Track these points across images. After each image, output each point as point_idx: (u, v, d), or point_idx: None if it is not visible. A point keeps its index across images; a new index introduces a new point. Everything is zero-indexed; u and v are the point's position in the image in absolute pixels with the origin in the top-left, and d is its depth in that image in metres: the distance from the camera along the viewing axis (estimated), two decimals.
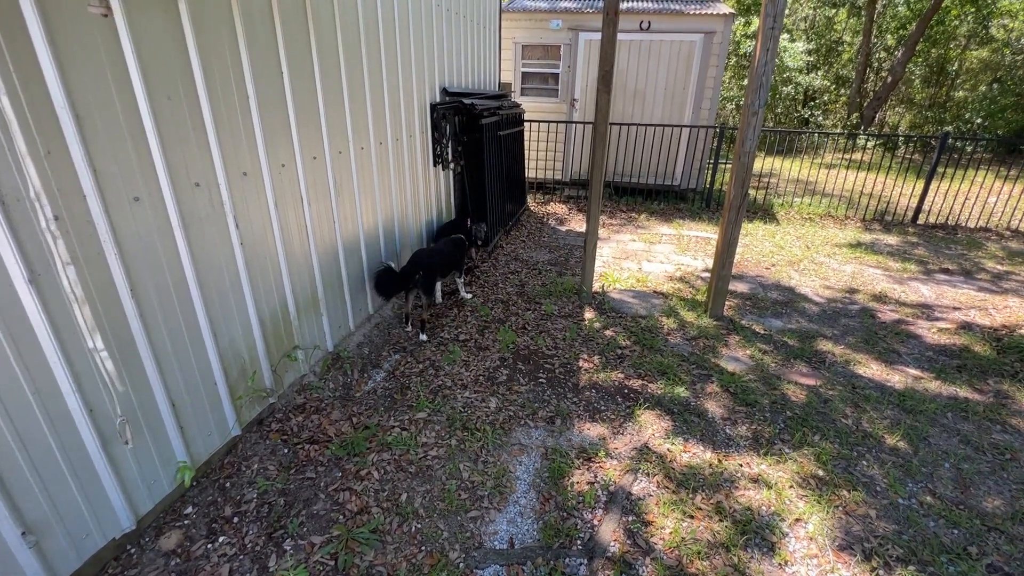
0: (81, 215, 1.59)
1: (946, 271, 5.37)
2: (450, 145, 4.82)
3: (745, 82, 17.96)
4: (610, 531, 2.06)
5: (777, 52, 3.21)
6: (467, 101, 4.73)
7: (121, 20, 1.66)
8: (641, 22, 7.43)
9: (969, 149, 12.87)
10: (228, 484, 2.20)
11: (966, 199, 7.66)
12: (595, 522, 2.11)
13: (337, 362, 3.09)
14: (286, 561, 1.86)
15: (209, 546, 1.92)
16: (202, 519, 2.03)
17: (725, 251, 3.77)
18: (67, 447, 1.62)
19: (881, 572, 1.91)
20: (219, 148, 2.11)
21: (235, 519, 2.04)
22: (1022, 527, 2.14)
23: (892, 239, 6.52)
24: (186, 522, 2.01)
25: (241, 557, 1.88)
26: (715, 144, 7.58)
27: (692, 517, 2.13)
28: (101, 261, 1.67)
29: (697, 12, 7.35)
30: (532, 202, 7.85)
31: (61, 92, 1.49)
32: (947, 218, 7.24)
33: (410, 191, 4.15)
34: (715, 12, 7.27)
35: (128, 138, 1.72)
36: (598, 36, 7.64)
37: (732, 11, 7.36)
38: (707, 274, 5.00)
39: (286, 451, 2.41)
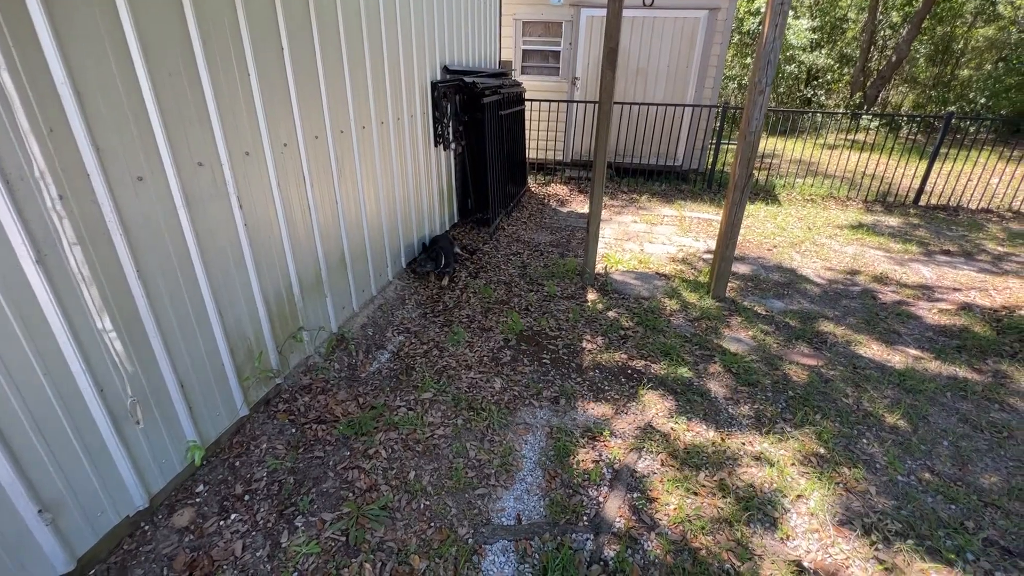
0: (86, 194, 1.57)
1: (947, 252, 5.38)
2: (451, 125, 4.76)
3: (748, 60, 17.71)
4: (615, 507, 2.10)
5: (784, 27, 3.15)
6: (468, 79, 4.65)
7: None
8: None
9: (972, 130, 12.77)
10: (238, 463, 2.22)
11: (968, 180, 7.62)
12: (600, 499, 2.15)
13: (342, 343, 3.10)
14: (298, 537, 1.89)
15: (221, 523, 1.95)
16: (213, 497, 2.06)
17: (729, 232, 3.76)
18: (80, 427, 1.63)
19: (880, 546, 1.96)
20: (221, 127, 2.08)
21: (246, 497, 2.07)
22: (1018, 502, 2.19)
23: (894, 220, 6.51)
24: (198, 500, 2.04)
25: (253, 533, 1.91)
26: (718, 124, 7.50)
27: (696, 494, 2.17)
28: (107, 241, 1.65)
29: None
30: (533, 183, 7.79)
31: (61, 67, 1.46)
32: (949, 199, 7.22)
33: (411, 172, 4.11)
34: None
35: (130, 116, 1.69)
36: (600, 12, 7.50)
37: None
38: (709, 255, 5.00)
39: (294, 431, 2.43)
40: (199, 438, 2.13)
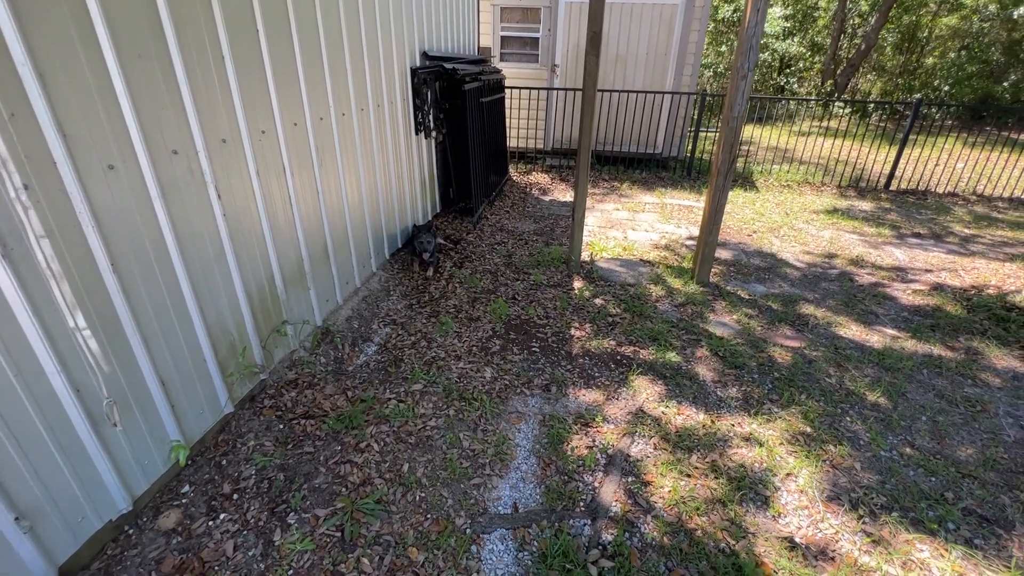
0: (54, 184, 1.48)
1: (917, 235, 5.55)
2: (431, 112, 4.66)
3: (723, 48, 17.86)
4: (611, 492, 2.11)
5: (766, 12, 3.17)
6: (448, 65, 4.56)
7: None
8: None
9: (937, 116, 13.17)
10: (224, 462, 2.16)
11: (936, 166, 7.87)
12: (596, 484, 2.16)
13: (327, 336, 3.03)
14: (292, 534, 1.85)
15: (210, 523, 1.89)
16: (200, 497, 1.99)
17: (712, 218, 3.79)
18: (55, 429, 1.55)
19: (867, 520, 2.02)
20: (196, 113, 1.98)
21: (235, 496, 2.01)
22: (992, 473, 2.28)
23: (866, 205, 6.68)
24: (184, 501, 1.97)
25: (245, 533, 1.86)
26: (696, 112, 7.55)
27: (689, 476, 2.20)
28: (77, 233, 1.56)
29: None
30: (514, 172, 7.73)
31: (20, 46, 1.36)
32: (918, 184, 7.44)
33: (393, 161, 4.02)
34: None
35: (98, 100, 1.59)
36: None
37: None
38: (691, 242, 5.05)
39: (281, 427, 2.37)
40: (183, 437, 2.05)
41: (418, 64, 4.43)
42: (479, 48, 6.76)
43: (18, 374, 1.44)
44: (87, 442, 1.66)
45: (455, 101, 4.81)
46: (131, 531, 1.83)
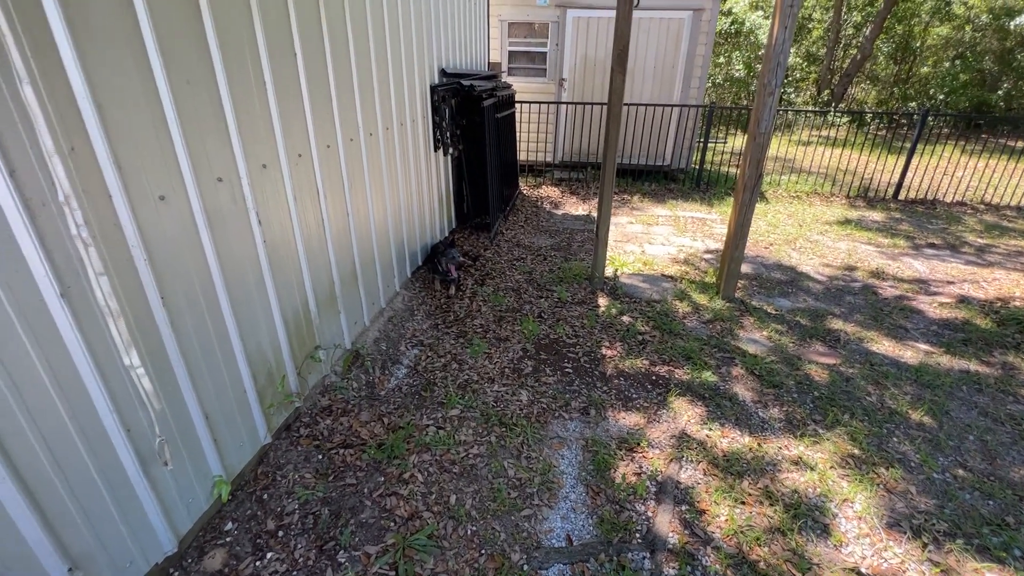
0: (108, 218, 1.43)
1: (933, 246, 5.55)
2: (449, 129, 4.65)
3: (720, 59, 18.05)
4: (666, 522, 2.05)
5: (794, 29, 3.17)
6: (466, 83, 4.55)
7: None
8: None
9: (933, 124, 13.30)
10: (266, 496, 2.08)
11: (943, 175, 7.91)
12: (649, 513, 2.10)
13: (357, 360, 2.97)
14: (345, 574, 1.78)
15: (257, 563, 1.82)
16: (244, 535, 1.92)
17: (738, 232, 3.77)
18: (106, 471, 1.49)
19: (932, 548, 1.97)
20: (239, 138, 1.94)
21: (280, 533, 1.94)
22: None
23: (877, 215, 6.69)
24: (228, 539, 1.90)
25: (294, 573, 1.79)
26: (704, 124, 7.58)
27: (743, 503, 2.14)
28: (131, 268, 1.51)
29: None
30: (524, 185, 7.72)
31: (81, 77, 1.32)
32: (926, 194, 7.47)
33: (414, 178, 3.99)
34: None
35: (151, 129, 1.55)
36: (586, 13, 7.49)
37: None
38: (709, 255, 5.03)
39: (320, 457, 2.30)
40: (224, 471, 1.98)
41: (436, 81, 4.42)
42: (489, 63, 6.77)
43: (73, 417, 1.38)
44: (135, 482, 1.59)
45: (472, 117, 4.80)
46: (176, 574, 1.75)
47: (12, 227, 1.19)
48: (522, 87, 7.88)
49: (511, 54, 7.98)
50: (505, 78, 7.93)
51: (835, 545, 1.98)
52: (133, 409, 1.55)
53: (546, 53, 7.85)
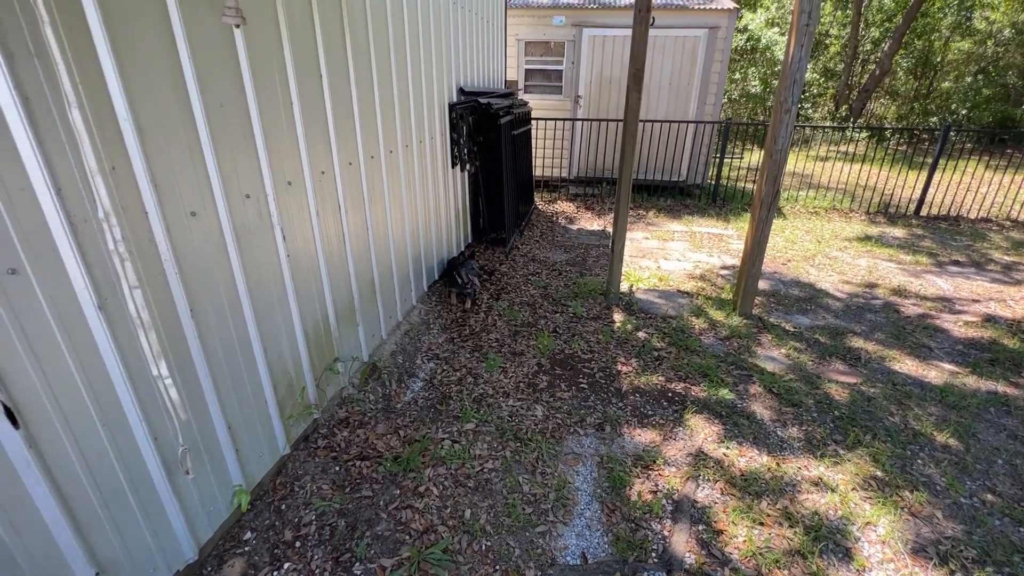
0: (144, 233, 1.49)
1: (957, 263, 5.44)
2: (466, 146, 4.73)
3: (736, 75, 18.08)
4: (683, 541, 2.02)
5: (810, 47, 3.18)
6: (483, 101, 4.64)
7: (177, 20, 1.55)
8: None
9: (955, 139, 13.09)
10: (283, 506, 2.11)
11: (967, 191, 7.77)
12: (665, 532, 2.07)
13: (374, 372, 3.00)
14: None
15: (275, 573, 1.84)
16: (263, 545, 1.95)
17: (755, 249, 3.75)
18: (135, 478, 1.53)
19: (960, 575, 1.90)
20: (267, 156, 2.01)
21: (297, 543, 1.96)
22: None
23: (898, 232, 6.59)
24: (247, 548, 1.92)
25: None
26: (720, 140, 7.59)
27: (762, 524, 2.11)
28: (163, 282, 1.57)
29: (701, 7, 7.33)
30: (539, 200, 7.79)
31: (123, 100, 1.39)
32: (948, 210, 7.34)
33: (432, 194, 4.06)
34: (719, 7, 7.26)
35: (186, 149, 1.62)
36: (602, 32, 7.60)
37: (735, 6, 7.35)
38: (725, 271, 5.00)
39: (337, 468, 2.33)
40: (244, 481, 2.02)
41: (455, 99, 4.51)
42: (506, 81, 6.90)
43: (105, 424, 1.43)
44: (161, 490, 1.63)
45: (488, 134, 4.88)
46: None
47: (57, 242, 1.25)
48: (538, 104, 7.99)
49: (528, 72, 8.11)
50: (521, 95, 8.06)
51: (857, 569, 1.93)
52: (161, 418, 1.60)
53: (562, 71, 7.96)
